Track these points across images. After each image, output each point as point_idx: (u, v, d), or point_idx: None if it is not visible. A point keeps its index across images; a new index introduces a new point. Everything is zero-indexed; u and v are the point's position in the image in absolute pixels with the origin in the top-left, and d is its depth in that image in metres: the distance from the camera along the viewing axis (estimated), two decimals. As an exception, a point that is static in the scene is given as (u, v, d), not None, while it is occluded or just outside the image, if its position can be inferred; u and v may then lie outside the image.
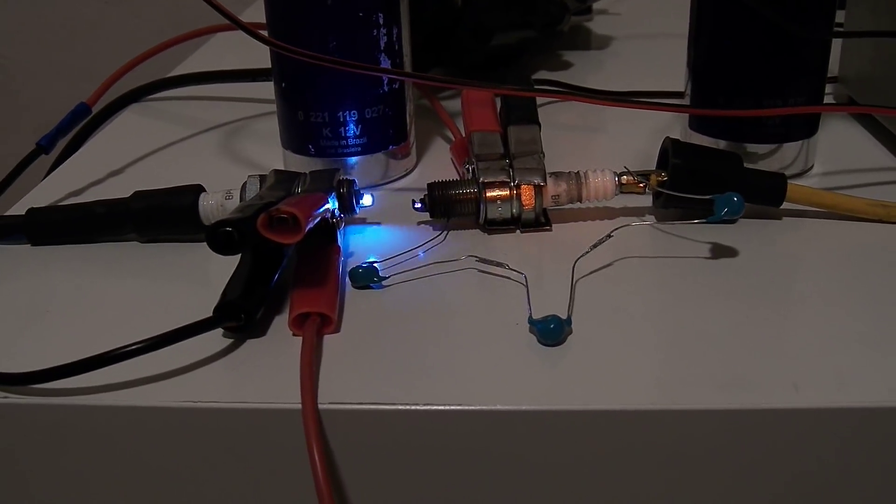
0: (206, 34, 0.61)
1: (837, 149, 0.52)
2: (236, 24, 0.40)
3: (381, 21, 0.44)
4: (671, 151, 0.42)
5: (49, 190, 0.49)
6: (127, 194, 0.43)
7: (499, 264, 0.39)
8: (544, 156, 0.44)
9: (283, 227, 0.34)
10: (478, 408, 0.31)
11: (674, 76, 0.59)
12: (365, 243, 0.42)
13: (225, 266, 0.38)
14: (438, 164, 0.51)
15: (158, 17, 1.04)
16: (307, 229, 0.34)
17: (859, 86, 0.57)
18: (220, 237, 0.33)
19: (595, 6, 0.77)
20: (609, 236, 0.39)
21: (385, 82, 0.45)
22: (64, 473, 0.33)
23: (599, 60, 0.72)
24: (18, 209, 0.45)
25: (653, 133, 0.55)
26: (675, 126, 0.54)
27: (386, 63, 0.45)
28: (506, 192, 0.41)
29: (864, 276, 0.39)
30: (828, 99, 0.61)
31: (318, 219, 0.36)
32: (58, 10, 1.05)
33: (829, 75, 0.55)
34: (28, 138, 1.09)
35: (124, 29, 1.05)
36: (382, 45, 0.45)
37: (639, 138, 0.54)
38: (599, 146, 0.54)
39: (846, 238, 0.42)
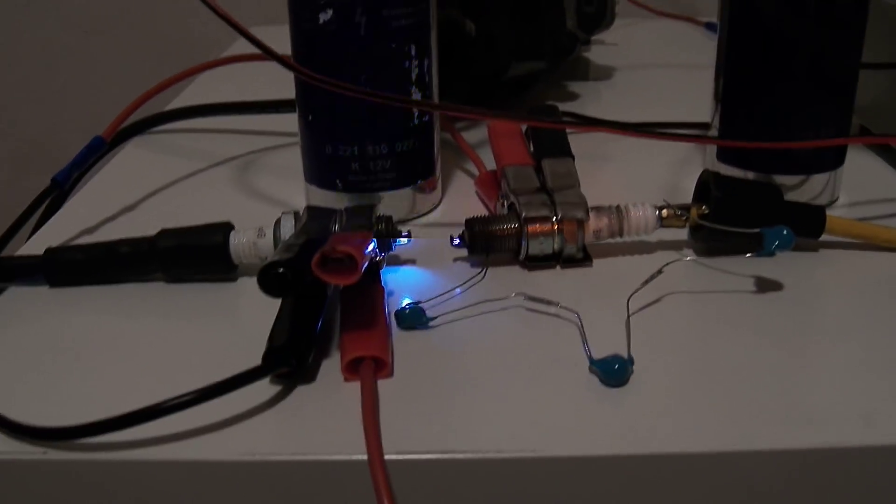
0: (223, 64, 0.59)
1: (859, 180, 0.52)
2: (270, 54, 0.39)
3: (413, 52, 0.43)
4: (713, 184, 0.41)
5: (60, 227, 0.47)
6: (142, 230, 0.41)
7: (549, 303, 0.38)
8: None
9: (338, 267, 0.32)
10: (551, 454, 0.30)
11: (675, 107, 0.59)
12: (402, 282, 0.41)
13: (256, 307, 0.36)
14: (464, 198, 0.50)
15: (139, 47, 1.02)
16: (363, 268, 0.32)
17: (874, 116, 0.57)
18: (273, 279, 0.32)
19: (593, 37, 0.77)
20: (660, 272, 0.38)
21: (416, 115, 0.44)
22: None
23: (598, 91, 0.71)
24: (29, 248, 0.44)
25: (670, 164, 0.54)
26: (694, 157, 0.54)
27: (417, 95, 0.44)
28: (548, 227, 0.40)
29: (909, 308, 0.38)
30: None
31: (370, 257, 0.35)
32: (37, 38, 1.02)
33: None
34: (4, 170, 1.06)
35: (104, 58, 1.03)
36: (414, 76, 0.44)
37: (657, 170, 0.53)
38: (620, 178, 0.53)
39: (884, 268, 0.42)
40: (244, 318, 0.39)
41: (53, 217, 0.49)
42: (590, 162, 0.55)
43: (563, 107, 0.65)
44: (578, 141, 0.57)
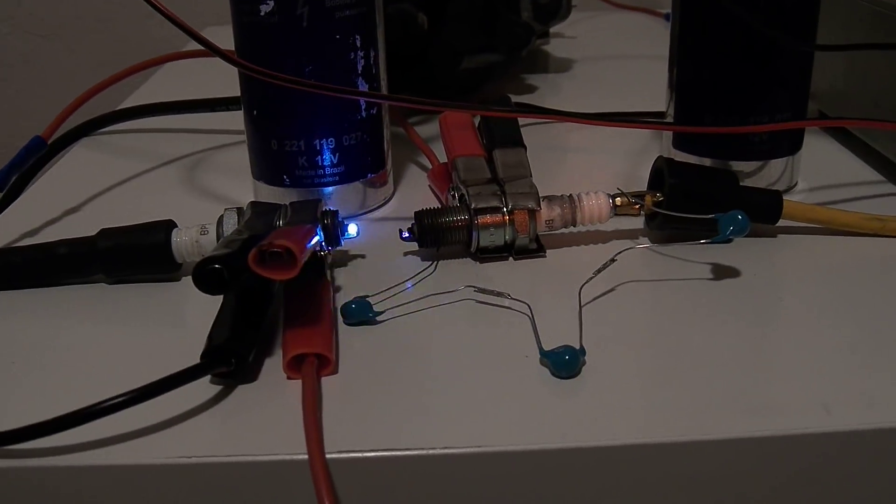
0: (163, 63, 0.58)
1: (817, 165, 0.51)
2: (211, 49, 0.38)
3: (359, 44, 0.42)
4: (667, 171, 0.41)
5: (1, 229, 0.45)
6: (86, 232, 0.40)
7: (499, 294, 0.37)
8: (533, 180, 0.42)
9: (276, 263, 0.31)
10: (500, 449, 0.29)
11: (633, 98, 0.59)
12: (350, 277, 0.40)
13: (201, 306, 0.35)
14: (416, 192, 0.49)
15: (95, 51, 1.00)
16: (301, 263, 0.31)
17: (831, 101, 0.57)
18: (209, 275, 0.31)
19: (550, 30, 0.76)
20: (613, 260, 0.38)
21: (363, 107, 0.43)
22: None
23: (558, 83, 0.70)
24: (-31, 252, 0.42)
25: (629, 154, 0.53)
26: (653, 146, 0.53)
27: (363, 87, 0.43)
28: (499, 218, 0.40)
29: (869, 291, 0.37)
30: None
31: (310, 252, 0.34)
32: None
33: None
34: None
35: (60, 63, 1.01)
36: (360, 68, 0.43)
37: (618, 159, 0.53)
38: (578, 168, 0.53)
39: (843, 253, 0.41)
40: (188, 318, 0.38)
41: (-5, 220, 0.47)
42: (548, 153, 0.54)
43: (522, 99, 0.64)
44: (536, 133, 0.57)
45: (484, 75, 0.62)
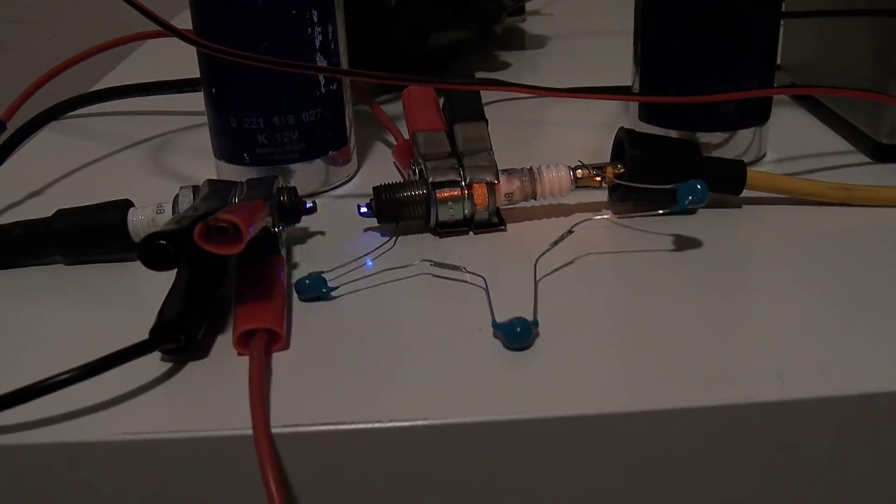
0: (125, 43, 0.58)
1: (787, 136, 0.51)
2: (161, 24, 0.37)
3: (316, 19, 0.42)
4: (627, 142, 0.40)
5: (-38, 215, 0.45)
6: (47, 215, 0.40)
7: (455, 268, 0.36)
8: (494, 153, 0.41)
9: (223, 238, 0.31)
10: (446, 422, 0.28)
11: (609, 73, 0.58)
12: (309, 254, 0.40)
13: (159, 285, 0.35)
14: (381, 170, 0.48)
15: (73, 36, 1.00)
16: (248, 238, 0.31)
17: (803, 72, 0.56)
18: (154, 251, 0.30)
19: (528, 6, 0.76)
20: (570, 232, 0.37)
21: (322, 83, 0.43)
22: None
23: (535, 61, 0.70)
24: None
25: (598, 128, 0.53)
26: (622, 120, 0.53)
27: (322, 63, 0.43)
28: (457, 192, 0.39)
29: (832, 261, 0.37)
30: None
31: (259, 228, 0.33)
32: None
33: None
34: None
35: (38, 49, 1.00)
36: (318, 43, 0.42)
37: (586, 134, 0.52)
38: (546, 143, 0.52)
39: (808, 223, 0.41)
40: (145, 297, 0.37)
41: (-44, 205, 0.47)
42: (516, 129, 0.54)
43: (494, 76, 0.64)
44: (505, 109, 0.57)
45: (454, 52, 0.62)
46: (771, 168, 0.47)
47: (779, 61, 0.59)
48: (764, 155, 0.48)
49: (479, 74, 0.64)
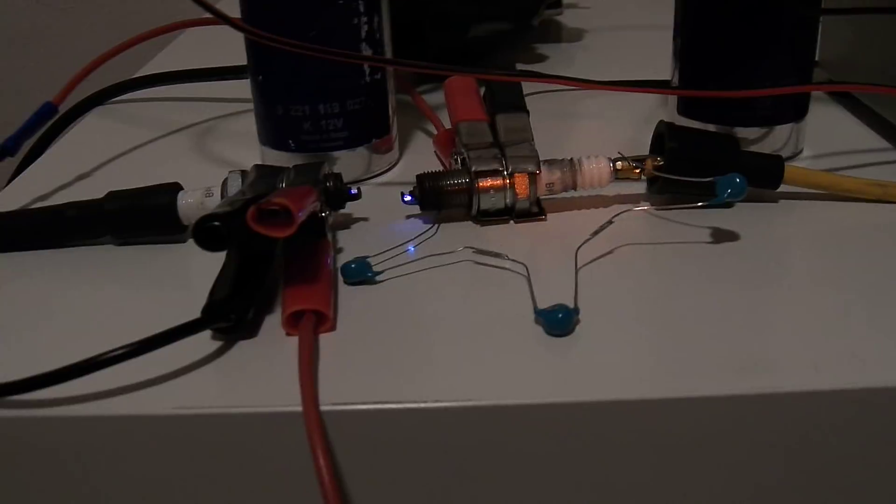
0: (174, 30, 0.59)
1: (824, 132, 0.51)
2: (213, 12, 0.38)
3: (362, 9, 0.43)
4: (667, 135, 0.41)
5: (14, 194, 0.46)
6: (96, 197, 0.41)
7: (497, 255, 0.37)
8: (535, 144, 0.42)
9: (274, 221, 0.32)
10: (490, 403, 0.29)
11: (646, 67, 0.58)
12: (353, 239, 0.40)
13: (207, 266, 0.36)
14: (422, 158, 0.49)
15: (112, 23, 1.01)
16: (299, 222, 0.32)
17: (840, 68, 0.57)
18: (208, 232, 0.31)
19: (565, 0, 0.76)
20: (610, 222, 0.38)
21: (367, 72, 0.44)
22: (47, 489, 0.31)
23: (571, 54, 0.70)
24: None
25: (637, 121, 0.53)
26: (660, 113, 0.53)
27: (367, 52, 0.43)
28: (499, 182, 0.40)
29: (867, 256, 0.38)
30: (809, 83, 0.60)
31: (309, 212, 0.34)
32: (10, 16, 1.02)
33: None
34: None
35: (75, 36, 1.02)
36: (363, 33, 0.43)
37: (625, 126, 0.53)
38: (586, 135, 0.53)
39: (845, 219, 0.41)
40: (193, 277, 0.39)
41: (9, 185, 0.48)
42: (555, 120, 0.54)
43: (532, 68, 0.64)
44: (545, 100, 0.57)
45: (491, 44, 0.62)
46: (808, 164, 0.47)
47: (817, 57, 0.59)
48: (801, 150, 0.49)
49: (518, 66, 0.65)
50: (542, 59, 0.67)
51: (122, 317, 0.35)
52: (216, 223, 0.31)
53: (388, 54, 0.45)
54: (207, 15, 0.40)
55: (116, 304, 0.36)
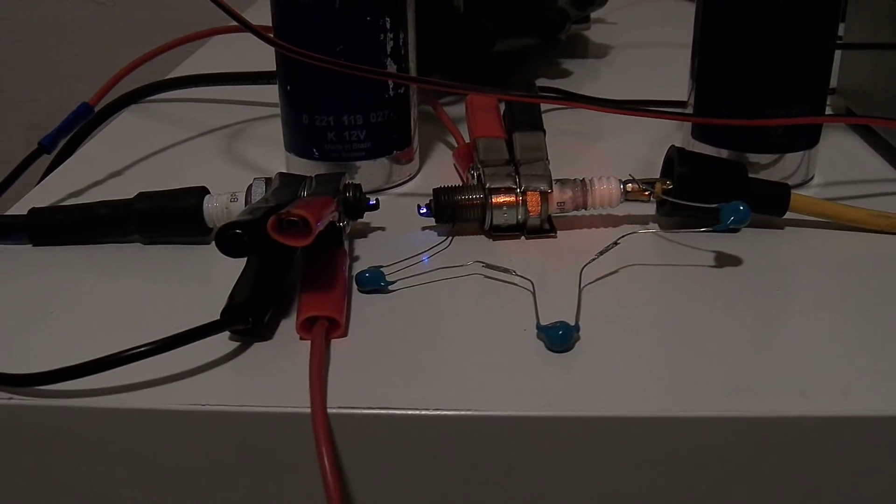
0: (208, 36, 0.61)
1: (837, 160, 0.52)
2: (245, 26, 0.40)
3: (388, 26, 0.44)
4: (676, 160, 0.42)
5: (49, 190, 0.48)
6: (128, 195, 0.43)
7: (505, 270, 0.39)
8: (549, 162, 0.44)
9: (293, 230, 0.33)
10: (487, 413, 0.31)
11: (671, 85, 0.60)
12: (370, 248, 0.42)
13: (229, 268, 0.38)
14: (441, 170, 0.51)
15: (149, 19, 1.04)
16: (316, 232, 0.33)
17: (858, 97, 0.58)
18: (230, 239, 0.33)
19: (592, 15, 0.77)
20: (616, 243, 0.39)
21: (391, 87, 0.45)
22: (68, 476, 0.33)
23: (597, 69, 0.72)
24: (19, 209, 0.45)
25: (654, 142, 0.55)
26: (676, 135, 0.55)
27: (392, 68, 0.45)
28: (512, 199, 0.41)
29: (866, 286, 0.39)
30: (826, 111, 0.61)
31: (327, 222, 0.36)
32: (49, 11, 1.04)
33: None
34: (18, 139, 1.08)
35: (116, 30, 1.05)
36: (389, 49, 0.45)
37: (640, 147, 0.54)
38: (601, 154, 0.54)
39: (848, 248, 0.42)
40: (216, 278, 0.40)
41: (44, 180, 0.50)
42: (572, 138, 0.56)
43: (555, 83, 0.66)
44: (563, 117, 0.58)
45: (519, 58, 0.64)
46: (818, 191, 0.48)
47: (835, 85, 0.60)
48: (812, 177, 0.50)
49: (541, 81, 0.66)
50: (566, 74, 0.69)
51: (147, 312, 0.37)
52: (238, 231, 0.33)
53: (413, 69, 0.47)
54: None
55: (142, 300, 0.38)
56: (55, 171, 0.51)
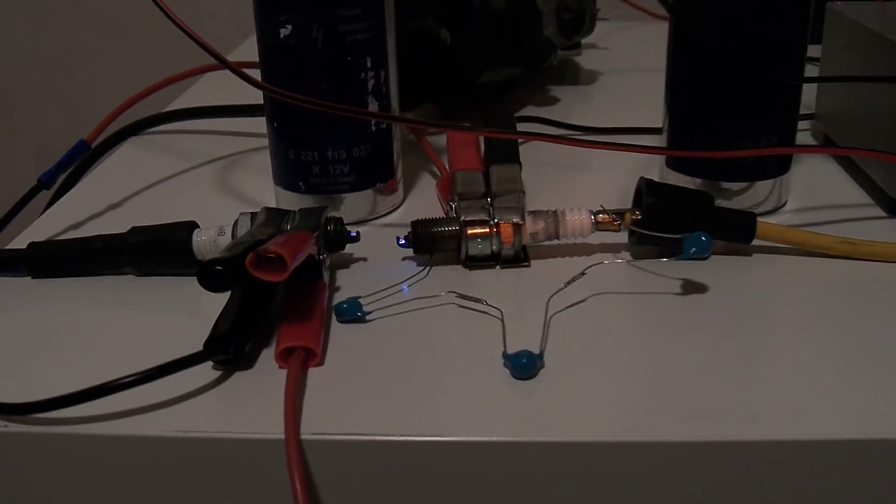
0: (203, 73, 0.63)
1: (813, 186, 0.54)
2: (230, 69, 0.42)
3: (369, 65, 0.46)
4: (644, 191, 0.44)
5: (49, 223, 0.51)
6: (126, 228, 0.45)
7: (477, 300, 0.41)
8: (525, 194, 0.45)
9: (271, 266, 0.35)
10: (452, 439, 0.33)
11: (655, 111, 0.61)
12: (351, 279, 0.44)
13: (217, 299, 0.39)
14: (425, 200, 0.53)
15: (158, 48, 1.07)
16: (292, 268, 0.35)
17: (834, 124, 0.59)
18: (210, 275, 0.35)
19: (584, 41, 0.79)
20: (583, 274, 0.41)
21: (373, 122, 0.47)
22: (60, 500, 0.35)
23: (588, 95, 0.74)
24: (19, 242, 0.47)
25: (634, 171, 0.56)
26: (653, 163, 0.56)
27: (374, 104, 0.47)
28: (486, 230, 0.43)
29: (829, 311, 0.40)
30: (805, 135, 0.63)
31: (305, 257, 0.38)
32: (59, 39, 1.07)
33: (807, 112, 0.57)
34: (28, 165, 1.11)
35: (123, 58, 1.07)
36: (370, 87, 0.47)
37: (621, 175, 0.56)
38: (583, 183, 0.56)
39: (814, 274, 0.44)
40: (205, 309, 0.42)
41: (43, 214, 0.53)
42: (556, 168, 0.58)
43: (543, 111, 0.68)
44: (548, 148, 0.60)
45: (507, 86, 0.66)
46: (790, 217, 0.50)
47: (814, 111, 0.62)
48: (784, 203, 0.51)
49: (529, 109, 0.68)
50: (553, 101, 0.71)
51: (139, 342, 0.39)
52: (218, 267, 0.35)
53: (395, 105, 0.49)
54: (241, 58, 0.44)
55: (134, 330, 0.40)
56: (54, 204, 0.54)
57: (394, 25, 0.48)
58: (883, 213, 0.50)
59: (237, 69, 0.42)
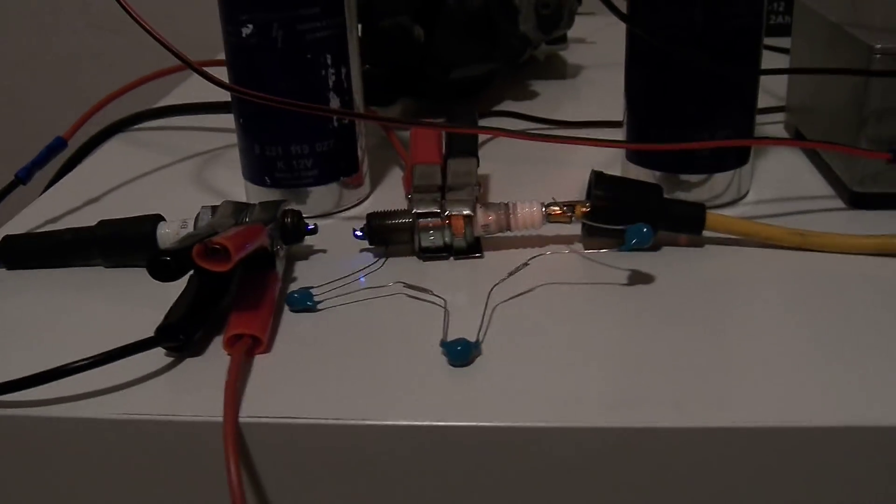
0: (179, 71, 0.65)
1: (776, 178, 0.55)
2: (193, 69, 0.44)
3: (330, 62, 0.48)
4: (594, 183, 0.45)
5: (28, 218, 0.53)
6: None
7: (423, 290, 0.42)
8: (479, 187, 0.47)
9: (218, 257, 0.37)
10: (381, 423, 0.34)
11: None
12: (308, 270, 0.46)
13: (179, 289, 0.41)
14: (392, 193, 0.54)
15: (160, 48, 1.08)
16: (237, 259, 0.37)
17: (802, 116, 0.60)
18: (159, 266, 0.37)
19: (570, 35, 0.80)
20: (526, 264, 0.43)
21: (334, 119, 0.49)
22: (9, 482, 0.37)
23: (568, 90, 0.75)
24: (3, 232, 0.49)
25: (604, 165, 0.57)
26: (617, 157, 0.57)
27: (335, 101, 0.49)
28: (437, 222, 0.45)
29: (769, 300, 0.41)
30: (778, 128, 0.64)
31: (254, 248, 0.39)
32: (63, 38, 1.09)
33: (778, 104, 0.59)
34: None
35: (128, 57, 1.09)
36: (331, 84, 0.48)
37: (585, 169, 0.56)
38: (551, 177, 0.57)
39: (762, 265, 0.45)
40: (170, 299, 0.44)
41: (26, 208, 0.55)
42: (521, 164, 0.59)
43: (522, 105, 0.69)
44: (516, 143, 0.61)
45: (485, 81, 0.67)
46: (749, 209, 0.51)
47: (785, 103, 0.63)
48: (745, 194, 0.52)
49: (507, 104, 0.69)
50: (532, 96, 0.72)
51: (102, 330, 0.41)
52: (167, 258, 0.37)
53: (358, 101, 0.50)
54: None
55: (99, 319, 0.42)
56: (34, 201, 0.55)
57: (356, 24, 0.49)
58: (843, 205, 0.51)
59: (198, 67, 0.44)
